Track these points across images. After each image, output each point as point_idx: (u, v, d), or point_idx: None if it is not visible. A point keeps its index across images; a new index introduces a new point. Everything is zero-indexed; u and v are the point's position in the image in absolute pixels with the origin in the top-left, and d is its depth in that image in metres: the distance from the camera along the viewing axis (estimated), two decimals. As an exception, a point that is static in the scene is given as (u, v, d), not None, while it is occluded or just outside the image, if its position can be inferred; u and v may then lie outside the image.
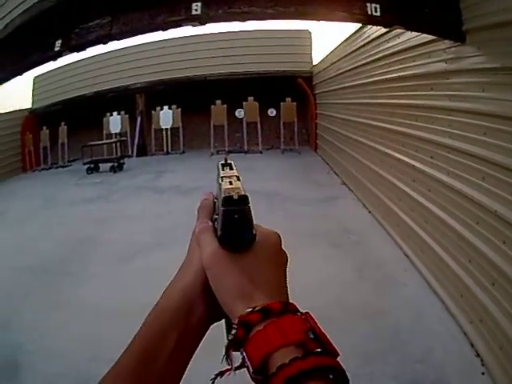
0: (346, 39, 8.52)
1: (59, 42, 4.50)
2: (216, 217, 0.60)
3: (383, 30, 5.64)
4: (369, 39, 6.79)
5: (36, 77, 16.35)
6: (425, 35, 4.35)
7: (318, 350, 0.45)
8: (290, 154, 13.46)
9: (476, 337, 3.38)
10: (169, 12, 4.11)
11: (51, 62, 4.93)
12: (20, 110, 15.64)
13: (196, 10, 4.01)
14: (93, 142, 13.59)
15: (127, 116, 15.19)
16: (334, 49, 10.00)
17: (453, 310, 3.82)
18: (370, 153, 6.88)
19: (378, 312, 4.04)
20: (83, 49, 4.60)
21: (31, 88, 16.71)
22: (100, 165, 12.90)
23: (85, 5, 4.31)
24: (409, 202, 5.10)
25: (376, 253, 5.40)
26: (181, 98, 14.43)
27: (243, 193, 0.54)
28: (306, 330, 0.47)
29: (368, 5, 3.92)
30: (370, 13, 3.94)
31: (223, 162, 0.70)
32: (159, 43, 14.33)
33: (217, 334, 0.63)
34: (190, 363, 0.56)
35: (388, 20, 4.07)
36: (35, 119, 15.77)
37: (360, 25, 6.63)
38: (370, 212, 6.84)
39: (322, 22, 4.37)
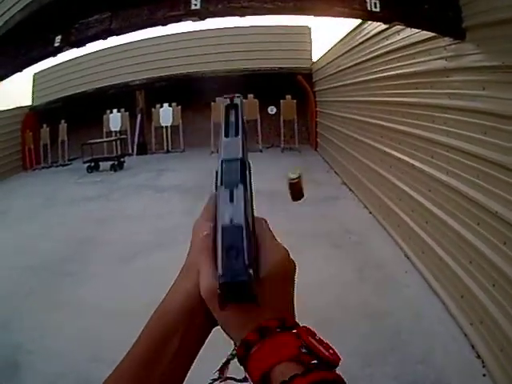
0: (346, 36, 8.52)
1: (59, 37, 4.50)
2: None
3: (383, 26, 5.63)
4: (368, 36, 6.77)
5: (36, 74, 16.32)
6: (425, 32, 4.34)
7: (314, 361, 0.46)
8: (290, 153, 13.45)
9: (477, 338, 3.38)
10: (168, 7, 4.11)
11: (51, 58, 4.92)
12: (20, 108, 15.61)
13: (196, 5, 4.01)
14: (93, 140, 13.58)
15: (127, 113, 15.18)
16: (334, 45, 9.99)
17: (453, 310, 3.81)
18: (369, 152, 6.87)
19: (379, 312, 4.04)
20: (83, 44, 4.61)
21: (31, 85, 16.68)
22: (100, 163, 12.89)
23: (84, 0, 4.31)
24: (409, 202, 5.09)
25: (377, 253, 5.40)
26: (181, 96, 14.43)
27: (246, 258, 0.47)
28: (299, 345, 0.47)
29: (368, 0, 3.92)
30: (369, 8, 3.94)
31: (229, 102, 0.60)
32: (159, 39, 14.31)
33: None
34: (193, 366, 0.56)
35: (387, 16, 4.07)
36: (35, 117, 15.74)
37: (360, 21, 6.63)
38: (370, 212, 6.83)
39: (322, 18, 4.36)
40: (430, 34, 4.28)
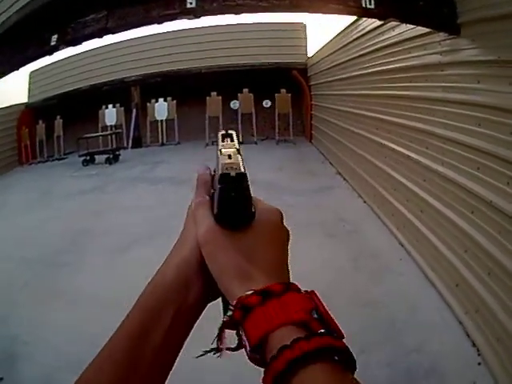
0: (341, 31, 8.51)
1: (55, 36, 4.50)
2: (214, 191, 0.57)
3: (378, 22, 5.64)
4: (364, 31, 6.78)
5: (32, 71, 16.25)
6: (420, 27, 4.35)
7: (322, 330, 0.42)
8: (285, 145, 13.45)
9: (472, 327, 3.40)
10: (164, 5, 4.11)
11: (47, 57, 4.92)
12: (16, 105, 15.60)
13: (191, 4, 4.01)
14: (88, 135, 13.56)
15: (122, 108, 15.14)
16: (329, 41, 9.99)
17: (448, 299, 3.83)
18: (365, 143, 6.89)
19: (374, 301, 4.06)
20: (79, 43, 4.61)
21: (27, 83, 16.64)
22: (96, 157, 12.87)
23: (81, -1, 4.32)
24: (404, 191, 5.11)
25: (371, 242, 5.42)
26: (176, 91, 14.38)
27: (242, 169, 0.51)
28: (310, 308, 0.45)
29: (362, -3, 3.93)
30: (364, 5, 3.94)
31: (224, 132, 0.66)
32: (154, 36, 14.28)
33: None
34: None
35: (382, 12, 4.07)
36: (31, 113, 15.71)
37: (355, 17, 6.63)
38: (365, 202, 6.85)
39: (317, 15, 4.37)
40: (425, 30, 4.29)
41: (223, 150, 0.57)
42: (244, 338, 0.45)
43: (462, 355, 3.27)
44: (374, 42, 6.32)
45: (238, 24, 13.32)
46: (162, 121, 14.91)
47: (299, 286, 0.48)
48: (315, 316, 0.44)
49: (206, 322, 0.62)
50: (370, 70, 6.61)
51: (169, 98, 14.74)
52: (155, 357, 0.50)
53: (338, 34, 8.94)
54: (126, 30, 4.47)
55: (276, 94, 14.03)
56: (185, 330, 0.53)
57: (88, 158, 12.78)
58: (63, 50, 4.77)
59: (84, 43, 4.63)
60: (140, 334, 0.50)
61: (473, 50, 3.56)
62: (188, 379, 2.30)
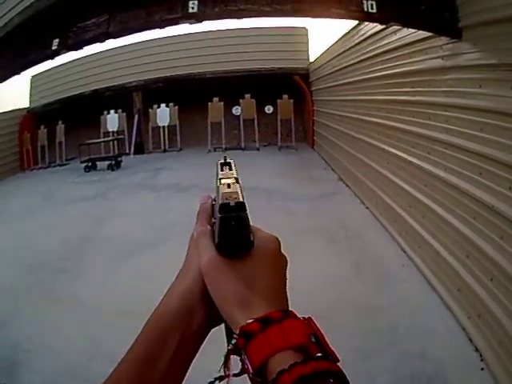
0: (343, 36, 8.53)
1: (57, 40, 4.51)
2: (214, 221, 0.59)
3: (380, 26, 5.65)
4: (365, 36, 6.79)
5: (33, 76, 16.29)
6: (421, 32, 4.35)
7: (319, 354, 0.44)
8: (287, 151, 13.45)
9: (474, 332, 3.38)
10: (166, 10, 4.12)
11: (49, 61, 4.94)
12: (18, 110, 15.60)
13: (193, 8, 4.02)
14: (90, 141, 13.57)
15: (124, 114, 15.17)
16: (331, 46, 10.00)
17: (451, 305, 3.82)
18: (366, 149, 6.88)
19: (376, 307, 4.04)
20: (80, 47, 4.62)
21: (29, 87, 16.67)
22: (97, 163, 12.87)
23: (82, 4, 4.32)
24: (406, 197, 5.10)
25: (374, 248, 5.41)
26: (178, 96, 14.40)
27: (241, 199, 0.54)
28: (309, 333, 0.47)
29: (364, 2, 3.93)
30: (366, 10, 3.95)
31: (222, 160, 0.68)
32: (156, 41, 14.30)
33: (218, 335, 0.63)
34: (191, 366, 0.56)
35: (384, 17, 4.08)
36: (33, 118, 15.72)
37: (357, 22, 6.64)
38: (367, 208, 6.84)
39: (319, 20, 4.37)
40: (427, 34, 4.29)
41: (222, 180, 0.60)
42: (247, 363, 0.47)
43: (465, 361, 3.25)
44: (375, 46, 6.32)
45: (239, 29, 13.38)
46: (163, 127, 14.91)
47: (296, 314, 0.51)
48: (313, 340, 0.46)
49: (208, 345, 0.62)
50: (371, 75, 6.61)
51: (171, 104, 14.76)
52: (162, 380, 0.51)
53: (339, 39, 8.96)
54: (128, 34, 4.49)
55: (278, 100, 14.02)
56: (190, 355, 0.55)
57: (90, 164, 12.78)
58: (65, 55, 4.78)
59: (85, 48, 4.64)
60: (147, 361, 0.52)
61: (475, 53, 3.56)
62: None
